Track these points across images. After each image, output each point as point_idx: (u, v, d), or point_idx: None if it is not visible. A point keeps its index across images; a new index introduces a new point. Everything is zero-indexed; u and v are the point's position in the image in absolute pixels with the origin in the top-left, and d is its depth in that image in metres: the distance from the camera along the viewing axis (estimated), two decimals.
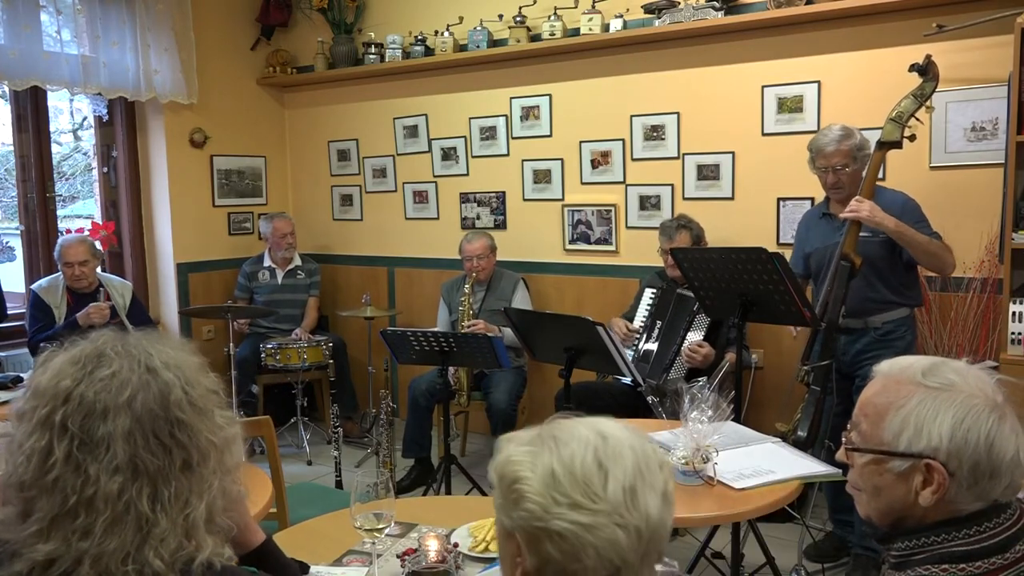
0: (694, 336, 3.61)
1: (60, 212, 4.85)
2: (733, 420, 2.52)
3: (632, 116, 4.33)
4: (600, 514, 0.95)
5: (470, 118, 4.87)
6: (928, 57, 2.93)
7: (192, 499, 1.05)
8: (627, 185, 4.40)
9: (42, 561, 1.00)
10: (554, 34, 4.35)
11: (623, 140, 4.38)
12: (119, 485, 1.01)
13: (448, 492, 3.45)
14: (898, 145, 2.95)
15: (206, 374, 1.14)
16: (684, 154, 4.21)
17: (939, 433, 1.11)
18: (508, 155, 4.78)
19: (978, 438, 1.09)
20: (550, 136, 4.62)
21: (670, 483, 1.02)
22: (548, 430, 1.03)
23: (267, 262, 5.05)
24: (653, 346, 3.77)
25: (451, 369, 3.96)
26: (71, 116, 5.32)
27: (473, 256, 4.31)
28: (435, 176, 5.07)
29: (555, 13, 4.36)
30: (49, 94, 4.67)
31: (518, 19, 4.49)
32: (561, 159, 4.60)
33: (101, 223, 4.84)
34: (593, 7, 4.25)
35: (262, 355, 4.66)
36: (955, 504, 1.12)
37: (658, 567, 1.03)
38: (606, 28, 4.24)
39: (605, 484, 0.96)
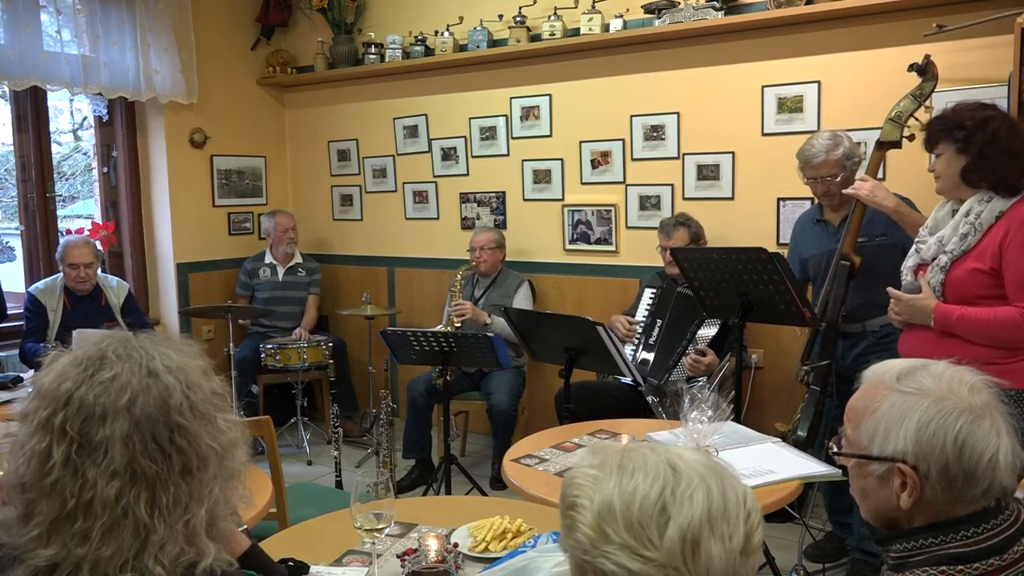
0: (705, 332, 3.61)
1: (60, 212, 4.85)
2: (733, 420, 2.53)
3: (632, 116, 4.33)
4: (651, 563, 0.85)
5: (470, 118, 4.87)
6: (927, 57, 2.93)
7: (192, 505, 1.04)
8: (627, 185, 4.40)
9: (44, 567, 1.00)
10: (554, 34, 4.35)
11: (623, 140, 4.38)
12: (116, 490, 1.00)
13: (448, 492, 3.45)
14: (897, 145, 2.95)
15: (210, 377, 1.12)
16: (684, 154, 4.21)
17: (904, 436, 1.11)
18: (508, 155, 4.78)
19: (945, 440, 1.09)
20: (550, 136, 4.62)
21: (755, 536, 0.90)
22: (621, 453, 0.94)
23: (268, 259, 5.06)
24: (650, 355, 3.76)
25: None
26: (71, 116, 5.33)
27: (477, 247, 4.40)
28: (435, 176, 5.07)
29: (555, 13, 4.36)
30: (49, 94, 4.66)
31: (518, 19, 4.49)
32: (561, 159, 4.60)
33: (101, 223, 4.84)
34: (593, 7, 4.25)
35: (262, 355, 4.66)
36: (936, 507, 1.12)
37: None
38: (606, 28, 4.23)
39: (663, 530, 0.86)
